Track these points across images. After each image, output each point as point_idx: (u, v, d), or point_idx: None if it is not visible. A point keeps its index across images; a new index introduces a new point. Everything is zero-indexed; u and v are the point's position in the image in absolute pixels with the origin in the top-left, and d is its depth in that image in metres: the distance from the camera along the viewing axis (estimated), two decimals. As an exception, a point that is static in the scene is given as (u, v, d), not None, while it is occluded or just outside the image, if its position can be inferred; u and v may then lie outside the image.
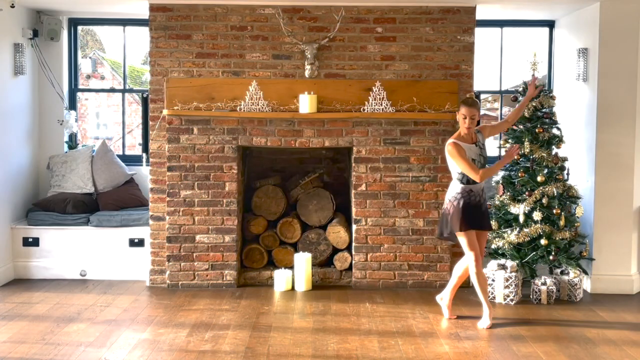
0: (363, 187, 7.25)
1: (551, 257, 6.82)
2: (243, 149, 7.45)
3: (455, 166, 6.01)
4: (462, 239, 6.02)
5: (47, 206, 7.69)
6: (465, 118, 5.99)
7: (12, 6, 7.13)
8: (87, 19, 8.54)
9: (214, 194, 7.22)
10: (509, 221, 7.05)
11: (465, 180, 5.98)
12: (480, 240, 6.14)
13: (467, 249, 6.01)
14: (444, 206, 6.17)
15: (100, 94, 7.89)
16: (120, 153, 8.54)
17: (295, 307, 6.60)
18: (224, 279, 7.25)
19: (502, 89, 8.44)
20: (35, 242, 7.54)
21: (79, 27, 8.63)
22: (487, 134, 6.24)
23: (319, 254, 7.48)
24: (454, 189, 6.06)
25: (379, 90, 7.13)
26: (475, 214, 6.00)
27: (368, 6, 7.18)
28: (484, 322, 6.02)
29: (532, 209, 6.86)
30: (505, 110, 8.58)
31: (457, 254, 7.24)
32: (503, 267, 6.85)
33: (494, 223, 6.97)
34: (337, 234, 7.43)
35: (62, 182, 7.90)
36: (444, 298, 6.36)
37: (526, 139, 6.98)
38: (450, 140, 6.02)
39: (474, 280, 6.06)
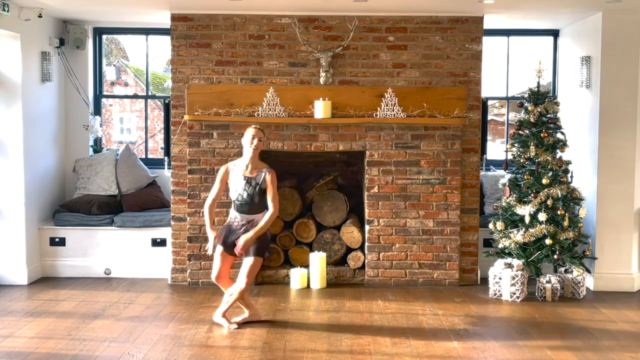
0: (375, 189, 7.35)
1: (555, 256, 6.87)
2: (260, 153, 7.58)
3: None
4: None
5: (73, 207, 7.78)
6: (253, 138, 5.94)
7: (40, 16, 7.29)
8: (111, 28, 8.63)
9: (232, 195, 7.37)
10: (515, 222, 7.11)
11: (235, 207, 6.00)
12: (227, 262, 6.03)
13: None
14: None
15: (124, 100, 7.96)
16: (143, 157, 8.68)
17: (310, 304, 6.69)
18: (243, 277, 7.41)
19: (509, 95, 8.56)
20: (61, 241, 7.68)
21: (104, 36, 8.75)
22: (267, 184, 5.98)
23: (334, 253, 7.58)
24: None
25: (390, 97, 7.25)
26: (230, 236, 5.95)
27: (380, 16, 7.32)
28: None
29: (538, 210, 6.92)
30: (512, 115, 8.62)
31: (465, 253, 7.47)
32: (509, 265, 6.94)
33: (500, 224, 7.07)
34: (350, 234, 7.53)
35: (88, 185, 8.01)
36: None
37: (532, 143, 7.03)
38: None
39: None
